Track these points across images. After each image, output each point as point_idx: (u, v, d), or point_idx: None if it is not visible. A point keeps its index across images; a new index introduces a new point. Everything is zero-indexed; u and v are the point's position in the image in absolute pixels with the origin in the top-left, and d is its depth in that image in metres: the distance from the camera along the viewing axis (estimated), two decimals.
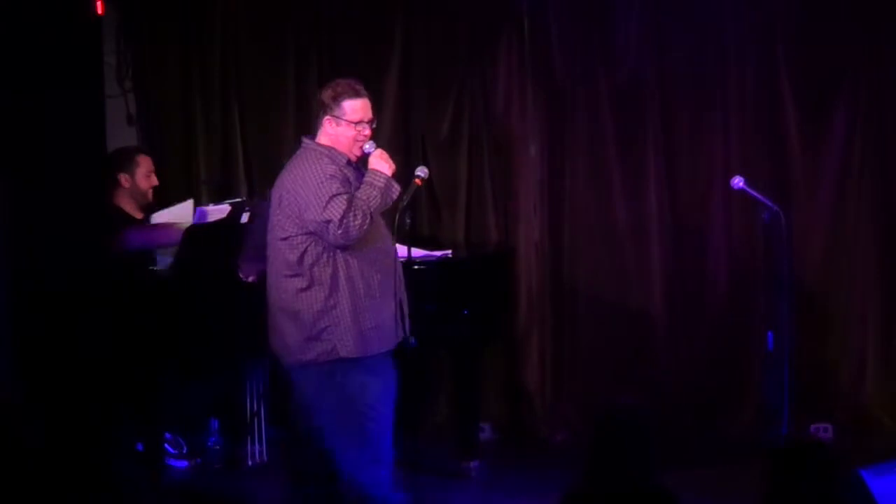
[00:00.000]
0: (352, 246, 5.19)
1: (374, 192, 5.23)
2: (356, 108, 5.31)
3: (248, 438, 6.51)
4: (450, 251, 6.42)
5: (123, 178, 6.73)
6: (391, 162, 5.32)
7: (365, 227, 5.16)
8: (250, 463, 6.50)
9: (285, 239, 5.24)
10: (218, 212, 6.33)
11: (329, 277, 5.21)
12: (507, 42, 7.04)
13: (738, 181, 6.11)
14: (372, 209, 5.19)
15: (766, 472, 3.71)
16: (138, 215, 6.75)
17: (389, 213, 5.38)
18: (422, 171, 5.97)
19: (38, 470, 3.15)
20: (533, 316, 6.97)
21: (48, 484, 3.15)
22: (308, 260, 5.21)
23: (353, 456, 5.24)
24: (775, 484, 3.66)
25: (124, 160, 6.80)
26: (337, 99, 5.30)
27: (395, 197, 5.30)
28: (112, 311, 6.32)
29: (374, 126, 5.40)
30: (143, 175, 6.72)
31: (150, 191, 6.75)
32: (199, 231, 6.27)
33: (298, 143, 5.41)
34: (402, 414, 6.02)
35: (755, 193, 6.07)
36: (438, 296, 6.17)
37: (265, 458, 6.54)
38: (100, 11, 7.18)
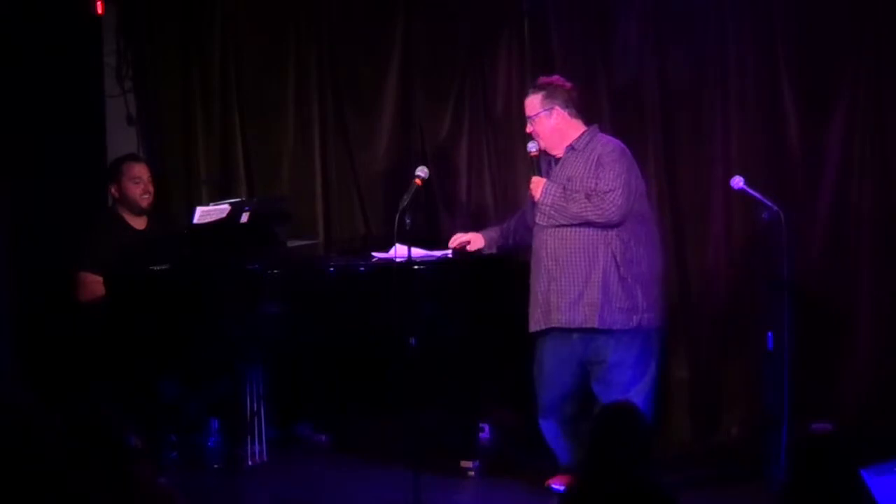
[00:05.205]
0: None
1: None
2: None
3: (248, 438, 6.51)
4: (450, 251, 6.42)
5: (113, 189, 6.76)
6: (534, 188, 5.97)
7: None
8: (250, 463, 6.50)
9: None
10: (217, 212, 6.33)
11: None
12: (507, 42, 7.04)
13: (738, 181, 6.10)
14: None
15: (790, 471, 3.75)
16: (138, 225, 6.77)
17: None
18: (422, 171, 6.02)
19: (49, 468, 3.15)
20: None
21: (59, 482, 3.15)
22: None
23: None
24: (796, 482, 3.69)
25: (110, 171, 6.84)
26: None
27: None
28: (113, 311, 6.34)
29: (529, 126, 6.05)
30: (130, 182, 6.73)
31: (145, 197, 6.75)
32: (199, 231, 6.27)
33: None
34: (402, 414, 6.04)
35: (755, 193, 6.06)
36: (438, 296, 6.17)
37: (265, 458, 6.55)
38: (100, 11, 7.22)
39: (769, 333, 5.98)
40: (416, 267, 6.00)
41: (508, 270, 6.50)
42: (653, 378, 6.01)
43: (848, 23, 6.61)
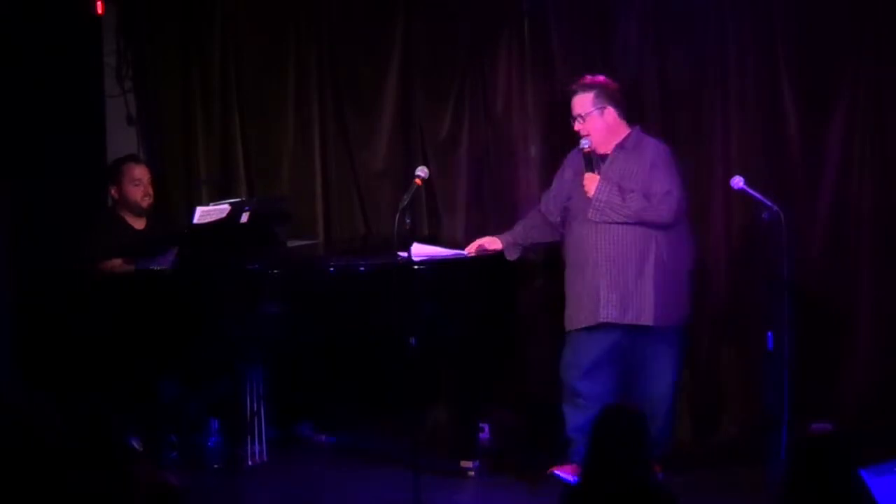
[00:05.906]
0: None
1: None
2: None
3: (248, 438, 6.51)
4: (466, 251, 6.40)
5: (113, 190, 6.77)
6: (588, 184, 6.04)
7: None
8: (250, 463, 6.51)
9: None
10: (217, 212, 6.33)
11: None
12: (507, 42, 7.03)
13: (738, 181, 6.11)
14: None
15: (787, 471, 3.75)
16: (138, 225, 6.77)
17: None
18: (422, 171, 6.03)
19: (49, 468, 3.15)
20: (533, 315, 6.97)
21: (59, 482, 3.15)
22: None
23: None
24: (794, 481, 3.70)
25: (110, 172, 6.84)
26: None
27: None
28: (113, 312, 6.34)
29: (578, 124, 6.15)
30: (130, 184, 6.74)
31: (145, 198, 6.76)
32: (199, 231, 6.27)
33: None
34: (402, 414, 6.04)
35: (755, 193, 6.06)
36: (438, 296, 6.17)
37: (265, 458, 6.55)
38: (100, 11, 7.22)
39: (769, 333, 5.98)
40: (415, 267, 5.99)
41: (509, 270, 6.50)
42: (682, 372, 6.33)
43: (848, 23, 6.61)
